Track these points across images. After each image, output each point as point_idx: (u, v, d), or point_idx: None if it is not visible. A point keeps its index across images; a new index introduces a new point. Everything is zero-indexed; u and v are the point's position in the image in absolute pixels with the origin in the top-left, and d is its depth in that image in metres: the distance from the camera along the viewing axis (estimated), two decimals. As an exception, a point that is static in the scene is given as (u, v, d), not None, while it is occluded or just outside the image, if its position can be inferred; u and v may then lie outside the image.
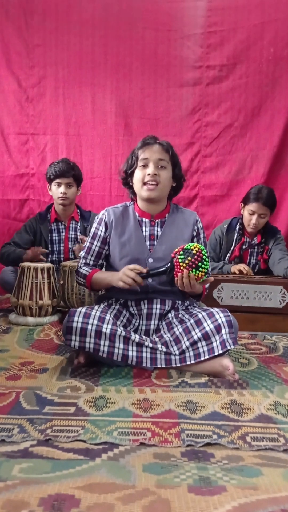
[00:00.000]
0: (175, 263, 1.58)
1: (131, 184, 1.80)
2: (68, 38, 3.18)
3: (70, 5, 3.15)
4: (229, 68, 3.12)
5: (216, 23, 3.09)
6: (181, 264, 1.56)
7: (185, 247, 1.58)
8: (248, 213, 2.57)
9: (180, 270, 1.57)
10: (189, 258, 1.55)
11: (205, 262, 1.56)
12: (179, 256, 1.57)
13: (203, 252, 1.56)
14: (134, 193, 1.82)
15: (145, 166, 1.71)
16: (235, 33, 3.08)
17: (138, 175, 1.73)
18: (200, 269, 1.55)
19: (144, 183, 1.71)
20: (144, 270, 1.63)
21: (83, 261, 1.83)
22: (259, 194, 2.52)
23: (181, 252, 1.57)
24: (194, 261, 1.55)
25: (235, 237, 2.66)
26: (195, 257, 1.55)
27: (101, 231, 1.79)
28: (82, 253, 1.84)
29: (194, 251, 1.55)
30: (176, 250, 1.60)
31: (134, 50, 3.16)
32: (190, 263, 1.55)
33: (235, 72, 3.12)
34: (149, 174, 1.69)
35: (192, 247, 1.56)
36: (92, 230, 1.83)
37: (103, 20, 3.15)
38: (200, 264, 1.55)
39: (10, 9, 3.15)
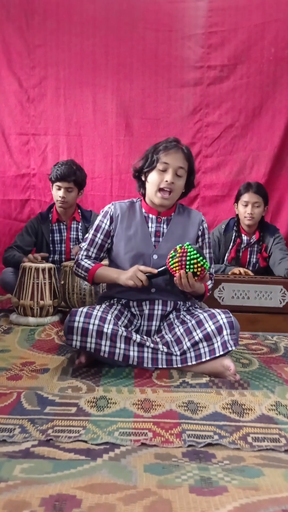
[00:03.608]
0: (168, 268, 1.60)
1: (143, 179, 1.78)
2: (69, 38, 3.18)
3: (71, 6, 3.16)
4: (230, 69, 3.13)
5: (217, 24, 3.10)
6: (172, 267, 1.58)
7: (172, 252, 1.60)
8: (242, 206, 2.59)
9: (174, 272, 1.58)
10: (176, 259, 1.56)
11: (192, 261, 1.55)
12: (170, 261, 1.59)
13: (189, 250, 1.56)
14: (143, 188, 1.80)
15: (164, 170, 1.69)
16: (236, 33, 3.09)
17: (154, 178, 1.70)
18: (193, 265, 1.55)
19: (159, 189, 1.70)
20: (155, 271, 1.64)
21: (85, 253, 1.79)
22: (248, 185, 2.60)
23: (170, 258, 1.59)
24: (182, 262, 1.56)
25: (233, 237, 2.66)
26: (183, 258, 1.55)
27: (106, 224, 1.78)
28: (84, 245, 1.81)
29: (179, 253, 1.57)
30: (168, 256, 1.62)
31: (135, 51, 3.17)
32: (180, 264, 1.56)
33: (236, 72, 3.13)
34: (166, 181, 1.68)
35: (177, 248, 1.58)
36: (96, 222, 1.80)
37: (104, 20, 3.15)
38: (189, 261, 1.55)
39: (11, 10, 3.15)
